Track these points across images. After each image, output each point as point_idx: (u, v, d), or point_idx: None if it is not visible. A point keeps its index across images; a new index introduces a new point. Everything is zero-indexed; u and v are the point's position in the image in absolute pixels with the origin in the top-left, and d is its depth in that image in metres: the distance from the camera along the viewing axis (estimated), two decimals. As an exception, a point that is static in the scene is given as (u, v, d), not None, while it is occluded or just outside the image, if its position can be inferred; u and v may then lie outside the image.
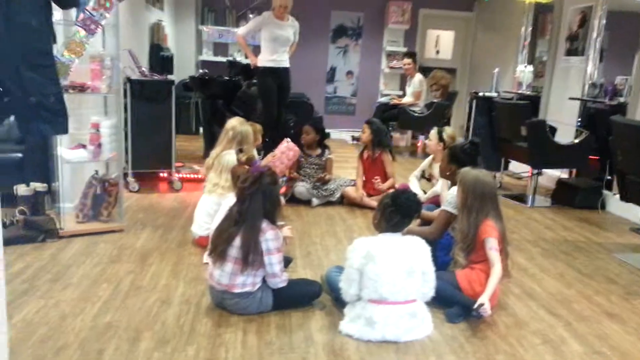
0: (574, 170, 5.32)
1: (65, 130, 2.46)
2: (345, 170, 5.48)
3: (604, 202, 4.71)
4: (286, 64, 5.10)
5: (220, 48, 8.05)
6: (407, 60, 7.20)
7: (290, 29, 5.04)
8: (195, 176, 4.80)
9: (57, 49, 3.11)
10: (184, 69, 7.45)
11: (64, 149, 3.36)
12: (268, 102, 5.09)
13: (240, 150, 3.35)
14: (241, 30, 5.12)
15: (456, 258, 2.58)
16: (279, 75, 5.05)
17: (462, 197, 2.61)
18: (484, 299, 2.37)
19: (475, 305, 2.36)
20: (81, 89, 3.30)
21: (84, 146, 3.46)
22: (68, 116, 2.44)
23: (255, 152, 4.01)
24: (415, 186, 4.16)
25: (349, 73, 8.56)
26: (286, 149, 4.09)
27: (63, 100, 2.43)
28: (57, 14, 3.20)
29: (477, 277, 2.54)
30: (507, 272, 2.64)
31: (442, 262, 2.71)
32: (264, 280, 2.45)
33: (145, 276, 2.81)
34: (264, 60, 5.05)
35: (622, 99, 4.76)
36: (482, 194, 2.57)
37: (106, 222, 3.48)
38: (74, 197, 3.60)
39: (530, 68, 6.23)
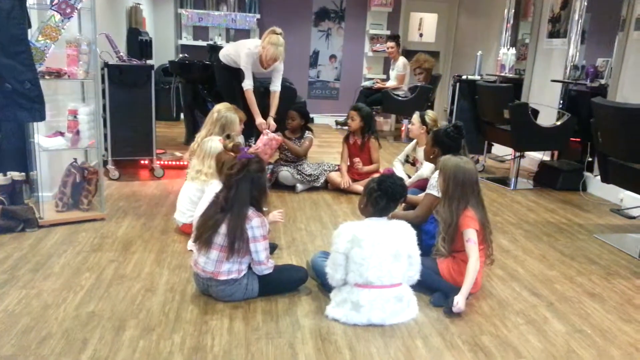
0: (556, 152, 5.38)
1: (42, 117, 2.40)
2: (330, 155, 5.47)
3: (585, 183, 4.78)
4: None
5: (200, 32, 7.92)
6: (390, 44, 7.16)
7: (270, 71, 4.49)
8: (177, 163, 4.74)
9: (32, 34, 3.02)
10: (163, 54, 7.31)
11: (42, 137, 3.28)
12: (225, 87, 4.66)
13: (227, 136, 3.31)
14: (247, 84, 4.31)
15: (439, 247, 2.57)
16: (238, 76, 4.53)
17: (444, 186, 2.61)
18: (460, 298, 2.38)
19: (451, 304, 2.38)
20: (57, 75, 3.21)
21: (61, 133, 3.39)
22: (45, 103, 2.37)
23: (242, 139, 3.97)
24: (399, 170, 4.16)
25: (332, 57, 8.50)
26: (268, 140, 4.02)
27: (39, 86, 2.36)
28: (33, -4, 3.11)
29: (458, 266, 2.54)
30: (490, 259, 2.66)
31: (426, 245, 2.72)
32: (249, 267, 2.44)
33: (128, 265, 2.77)
34: (230, 64, 4.52)
35: (602, 81, 4.80)
36: (463, 182, 2.56)
37: (86, 210, 3.42)
38: (52, 185, 3.53)
39: (513, 51, 6.25)
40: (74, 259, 2.81)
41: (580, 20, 5.19)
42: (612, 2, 4.78)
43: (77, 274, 2.63)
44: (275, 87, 4.51)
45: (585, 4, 5.12)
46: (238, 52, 4.39)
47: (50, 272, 2.64)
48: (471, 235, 2.49)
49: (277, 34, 4.22)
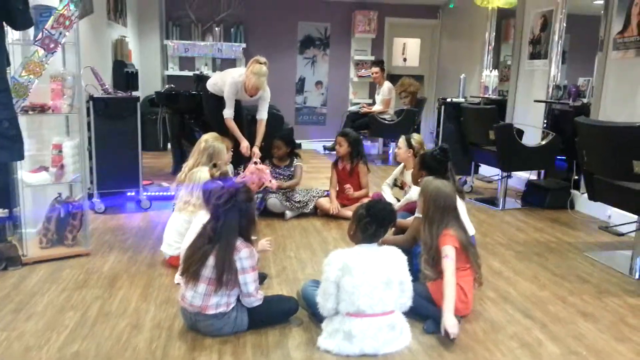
0: (543, 171, 5.42)
1: (21, 157, 2.36)
2: (318, 180, 5.46)
3: (572, 201, 4.80)
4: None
5: (186, 62, 7.96)
6: (375, 69, 7.25)
7: (257, 98, 4.52)
8: (164, 194, 4.70)
9: (15, 70, 3.01)
10: (150, 85, 7.33)
11: (25, 172, 3.23)
12: (212, 114, 4.63)
13: (214, 165, 3.29)
14: (227, 112, 4.34)
15: (423, 271, 2.56)
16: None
17: (424, 208, 2.62)
18: (447, 318, 2.34)
19: (442, 331, 2.35)
20: (41, 109, 3.19)
21: (46, 168, 3.34)
22: (23, 142, 2.34)
23: (231, 168, 3.96)
24: (388, 195, 4.15)
25: (318, 83, 8.58)
26: (255, 170, 4.01)
27: (18, 125, 2.33)
28: (15, 33, 3.11)
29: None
30: (479, 281, 2.64)
31: (417, 269, 2.69)
32: (238, 300, 2.39)
33: (114, 301, 2.71)
34: (217, 93, 4.52)
35: (585, 100, 4.87)
36: (444, 205, 2.57)
37: (71, 246, 3.35)
38: (36, 221, 3.47)
39: (496, 72, 6.34)
40: (57, 297, 2.74)
41: (560, 41, 5.30)
42: (590, 23, 4.89)
43: (61, 313, 2.56)
44: (261, 115, 4.52)
45: (565, 25, 5.23)
46: (224, 81, 4.42)
47: (33, 312, 2.56)
48: (448, 252, 2.48)
49: (261, 63, 4.26)
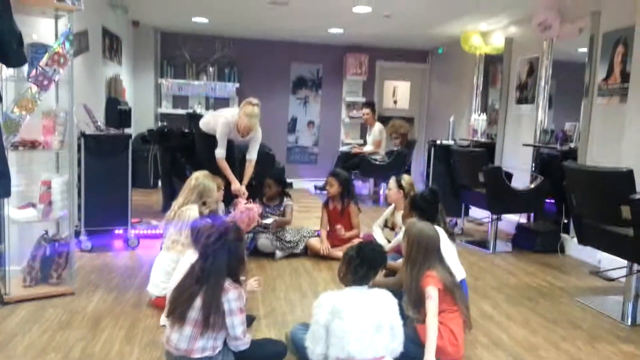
0: (532, 215, 5.44)
1: (7, 193, 2.33)
2: (309, 220, 5.44)
3: (562, 245, 4.81)
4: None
5: (179, 101, 8.04)
6: (366, 110, 7.36)
7: (248, 139, 4.54)
8: (153, 232, 4.64)
9: (7, 106, 3.01)
10: (143, 122, 7.36)
11: (12, 208, 3.19)
12: (203, 151, 4.63)
13: (203, 203, 3.27)
14: (219, 152, 4.33)
15: (407, 314, 2.52)
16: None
17: (407, 250, 2.60)
18: None
19: None
20: (32, 145, 3.18)
21: (33, 205, 3.30)
22: (10, 178, 2.31)
23: (221, 207, 3.93)
24: (379, 236, 4.14)
25: (310, 123, 8.67)
26: (245, 209, 3.98)
27: (6, 162, 2.31)
28: (9, 70, 3.12)
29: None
30: (469, 324, 2.60)
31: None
32: (225, 343, 2.33)
33: (97, 343, 2.63)
34: (210, 132, 4.51)
35: (572, 145, 4.95)
36: (426, 246, 2.56)
37: (56, 285, 3.28)
38: (21, 258, 3.39)
39: (484, 116, 6.46)
40: (39, 338, 2.66)
41: (546, 87, 5.42)
42: (575, 69, 5.03)
43: (42, 355, 2.48)
44: (251, 155, 4.53)
45: (550, 71, 5.37)
46: (217, 121, 4.45)
47: (13, 354, 2.48)
48: (431, 292, 2.44)
49: (253, 105, 4.30)
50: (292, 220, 4.58)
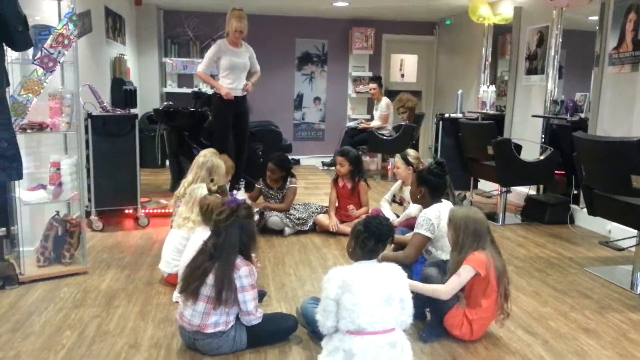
0: (542, 186, 5.41)
1: (19, 176, 2.35)
2: (317, 196, 5.45)
3: (572, 216, 4.79)
4: (243, 92, 4.93)
5: (184, 79, 8.00)
6: (372, 85, 7.28)
7: (245, 54, 4.89)
8: (163, 211, 4.68)
9: (14, 89, 3.01)
10: (148, 102, 7.36)
11: (23, 191, 3.22)
12: (221, 127, 4.93)
13: (211, 180, 3.29)
14: (200, 67, 4.88)
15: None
16: (236, 103, 4.86)
17: (454, 236, 2.58)
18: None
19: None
20: (40, 127, 3.19)
21: (44, 186, 3.33)
22: (22, 161, 2.33)
23: (227, 185, 3.95)
24: (387, 210, 4.14)
25: (317, 99, 8.61)
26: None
27: (17, 145, 2.32)
28: (14, 53, 3.12)
29: (459, 321, 2.50)
30: (506, 313, 2.56)
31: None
32: (237, 318, 2.36)
33: (111, 320, 2.68)
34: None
35: (582, 115, 4.89)
36: (474, 230, 2.53)
37: (69, 264, 3.33)
38: (34, 240, 3.44)
39: (493, 88, 6.37)
40: (55, 316, 2.71)
41: (556, 57, 5.33)
42: (585, 38, 4.94)
43: (58, 332, 2.53)
44: (255, 68, 5.00)
45: (560, 40, 5.27)
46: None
47: (30, 332, 2.53)
48: (463, 271, 2.45)
49: (238, 9, 4.63)
50: (286, 207, 4.43)
